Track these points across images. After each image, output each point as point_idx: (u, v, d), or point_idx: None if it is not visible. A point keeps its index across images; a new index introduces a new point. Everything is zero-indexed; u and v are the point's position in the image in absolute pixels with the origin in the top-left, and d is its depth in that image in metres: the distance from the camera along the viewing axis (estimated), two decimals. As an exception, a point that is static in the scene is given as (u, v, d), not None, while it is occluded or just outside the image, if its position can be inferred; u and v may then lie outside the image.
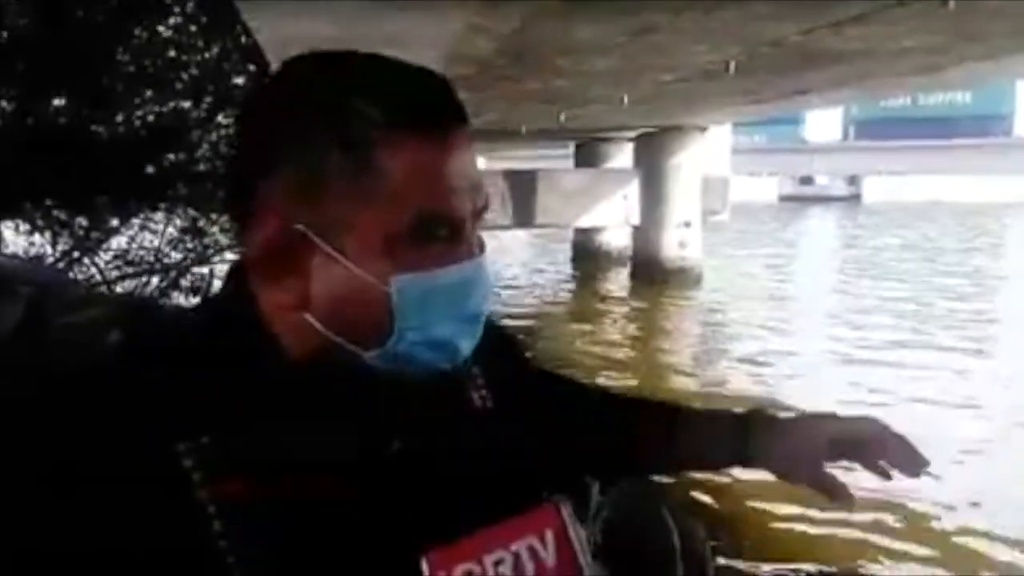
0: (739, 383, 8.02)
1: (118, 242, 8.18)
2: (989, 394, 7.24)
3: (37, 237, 7.54)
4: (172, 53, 7.88)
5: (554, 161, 21.23)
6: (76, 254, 7.81)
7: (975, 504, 4.93)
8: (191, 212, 8.04)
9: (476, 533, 0.67)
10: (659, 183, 14.67)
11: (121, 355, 0.71)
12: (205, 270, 7.94)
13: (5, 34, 6.78)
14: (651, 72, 7.61)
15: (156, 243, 8.20)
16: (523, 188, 14.78)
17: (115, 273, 7.99)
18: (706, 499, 4.84)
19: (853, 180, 52.60)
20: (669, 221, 14.62)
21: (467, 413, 0.76)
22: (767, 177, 50.05)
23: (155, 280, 8.03)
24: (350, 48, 0.68)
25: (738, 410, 0.88)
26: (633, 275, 15.43)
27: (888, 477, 0.81)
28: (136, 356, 0.68)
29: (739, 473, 4.96)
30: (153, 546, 0.58)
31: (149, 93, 7.83)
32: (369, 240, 0.63)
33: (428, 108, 0.65)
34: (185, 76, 7.97)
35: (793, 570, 4.22)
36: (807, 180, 53.11)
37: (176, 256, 8.23)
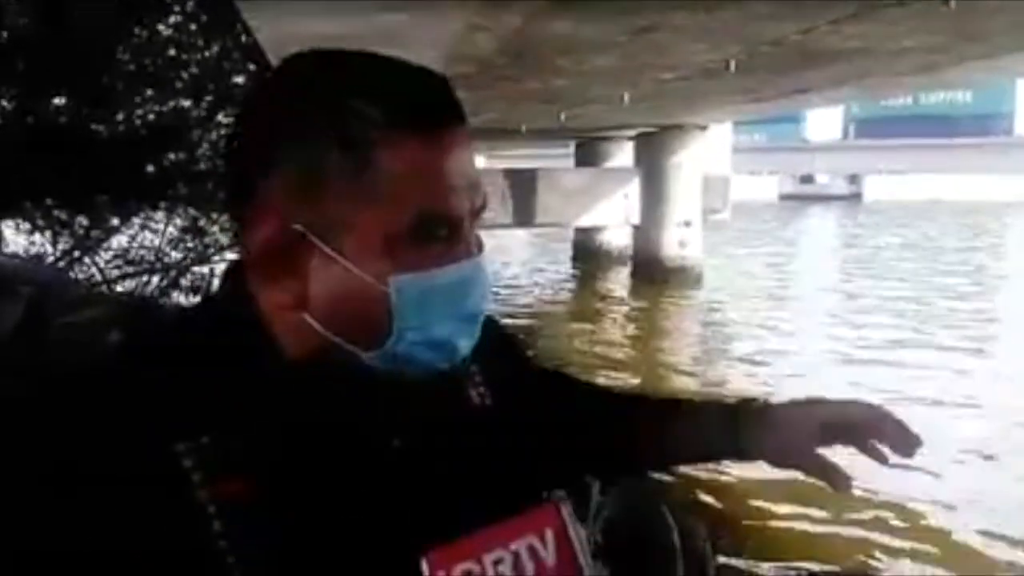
0: (739, 382, 8.02)
1: (118, 241, 8.19)
2: (989, 394, 7.23)
3: (38, 236, 7.55)
4: (172, 52, 7.89)
5: (554, 160, 21.25)
6: (76, 253, 7.81)
7: (975, 504, 4.93)
8: (191, 211, 8.05)
9: (476, 532, 0.67)
10: (660, 182, 14.66)
11: (120, 355, 0.71)
12: (206, 269, 7.94)
13: (5, 34, 6.78)
14: (651, 71, 7.61)
15: (157, 242, 8.21)
16: (523, 187, 14.79)
17: (116, 272, 8.00)
18: (707, 498, 4.84)
19: (854, 179, 52.63)
20: (669, 220, 14.61)
21: (466, 412, 0.76)
22: (768, 176, 50.10)
23: (156, 279, 8.04)
24: (350, 47, 0.68)
25: (729, 400, 0.88)
26: (633, 274, 15.44)
27: (884, 460, 0.80)
28: (135, 356, 0.68)
29: (739, 472, 5.00)
30: (153, 546, 0.58)
31: (149, 92, 7.84)
32: (369, 240, 0.63)
33: (427, 108, 0.65)
34: (185, 75, 7.98)
35: (794, 569, 4.22)
36: (808, 179, 53.15)
37: (176, 255, 8.24)
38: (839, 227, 31.13)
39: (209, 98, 7.93)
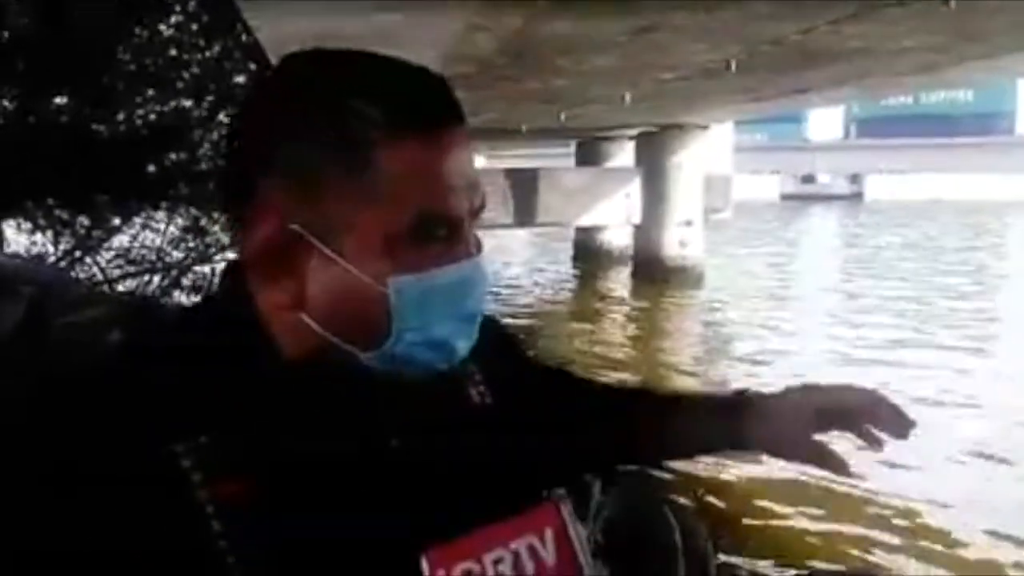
0: (740, 382, 8.00)
1: (120, 241, 8.20)
2: (990, 393, 7.23)
3: (39, 236, 7.56)
4: (173, 52, 7.90)
5: (555, 160, 21.26)
6: (78, 253, 7.82)
7: (976, 504, 4.92)
8: (193, 211, 8.06)
9: (476, 531, 0.67)
10: (661, 182, 14.65)
11: (120, 355, 0.71)
12: (207, 269, 7.95)
13: (6, 34, 6.79)
14: (652, 71, 7.61)
15: (158, 242, 8.22)
16: (524, 187, 14.78)
17: (117, 272, 8.01)
18: (708, 497, 4.84)
19: (855, 178, 52.62)
20: (670, 220, 14.59)
21: (466, 411, 0.76)
22: (769, 175, 50.09)
23: (157, 279, 8.05)
24: (350, 47, 0.68)
25: (724, 393, 0.88)
26: (634, 274, 15.42)
27: (880, 445, 0.80)
28: (134, 356, 0.68)
29: (740, 472, 5.00)
30: (152, 546, 0.58)
31: (150, 92, 7.85)
32: (368, 240, 0.63)
33: (427, 108, 0.65)
34: (186, 75, 7.99)
35: (795, 568, 4.22)
36: (809, 178, 53.13)
37: (178, 255, 8.24)
38: (840, 227, 31.12)
39: (210, 98, 7.94)
